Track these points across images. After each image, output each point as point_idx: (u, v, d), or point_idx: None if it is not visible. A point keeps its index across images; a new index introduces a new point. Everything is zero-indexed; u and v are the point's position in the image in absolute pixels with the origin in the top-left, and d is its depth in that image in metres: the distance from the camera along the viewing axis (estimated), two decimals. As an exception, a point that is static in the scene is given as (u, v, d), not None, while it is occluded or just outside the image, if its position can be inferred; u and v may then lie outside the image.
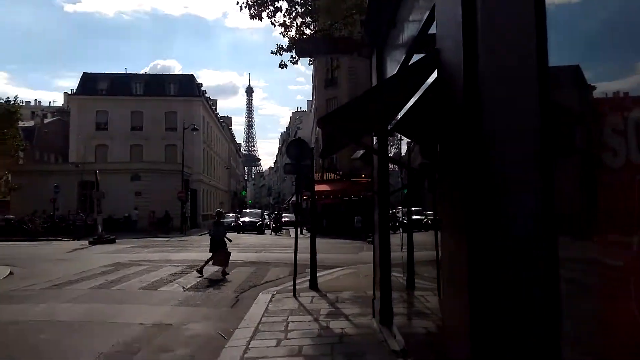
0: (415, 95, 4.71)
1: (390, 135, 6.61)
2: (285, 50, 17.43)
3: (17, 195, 35.10)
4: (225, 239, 13.42)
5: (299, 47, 16.48)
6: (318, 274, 12.31)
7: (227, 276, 12.48)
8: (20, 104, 32.84)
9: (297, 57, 17.76)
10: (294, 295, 9.37)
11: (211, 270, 13.43)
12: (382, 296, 6.73)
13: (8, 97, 34.79)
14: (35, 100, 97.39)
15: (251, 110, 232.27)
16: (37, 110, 75.74)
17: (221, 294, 10.20)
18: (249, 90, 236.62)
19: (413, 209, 5.97)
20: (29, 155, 56.47)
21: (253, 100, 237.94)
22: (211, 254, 13.28)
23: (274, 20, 16.23)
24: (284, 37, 17.19)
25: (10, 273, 13.05)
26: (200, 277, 12.24)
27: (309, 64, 18.57)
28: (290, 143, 9.17)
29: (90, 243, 23.91)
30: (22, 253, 19.08)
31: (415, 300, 6.36)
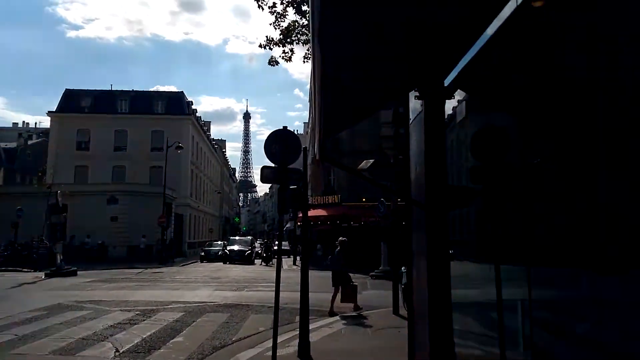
0: None
1: (448, 96, 3.47)
2: (276, 44, 14.51)
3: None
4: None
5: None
6: (312, 325, 9.07)
7: (185, 330, 9.12)
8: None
9: (290, 53, 14.82)
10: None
11: (165, 318, 10.09)
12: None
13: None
14: (23, 122, 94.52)
15: (248, 136, 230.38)
16: (24, 132, 72.77)
17: (167, 363, 6.88)
18: (247, 116, 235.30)
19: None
20: (9, 177, 53.21)
21: (251, 127, 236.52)
22: (334, 288, 11.44)
23: (262, 3, 13.36)
24: (275, 28, 14.34)
25: None
26: (335, 318, 10.33)
27: (304, 62, 15.59)
28: (272, 136, 6.03)
29: (46, 275, 20.46)
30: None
31: None
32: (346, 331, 8.87)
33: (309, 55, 15.96)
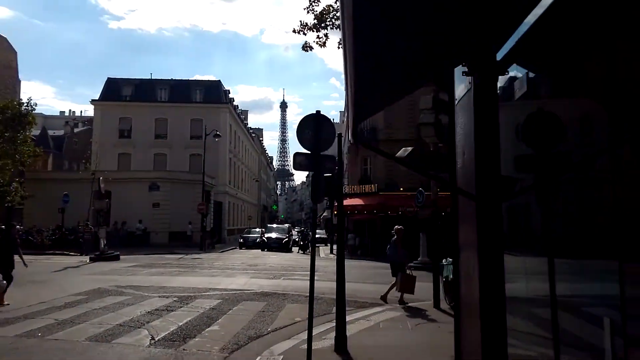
0: None
1: (501, 71, 3.09)
2: (310, 29, 14.16)
3: (30, 204, 32.92)
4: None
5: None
6: (349, 316, 8.83)
7: (221, 318, 9.05)
8: (34, 107, 30.65)
9: (324, 38, 14.45)
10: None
11: (202, 305, 10.06)
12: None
13: (21, 99, 32.79)
14: (70, 110, 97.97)
15: (285, 125, 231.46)
16: (70, 120, 75.35)
17: (201, 352, 6.78)
18: (283, 105, 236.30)
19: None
20: (57, 164, 55.34)
21: (287, 116, 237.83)
22: (394, 278, 11.23)
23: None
24: (309, 12, 13.98)
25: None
26: (403, 306, 10.50)
27: (339, 48, 15.15)
28: (304, 120, 5.72)
29: (91, 260, 21.09)
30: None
31: None
32: (385, 325, 8.57)
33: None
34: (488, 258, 3.04)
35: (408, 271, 11.08)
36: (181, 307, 10.01)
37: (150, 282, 13.73)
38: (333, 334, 7.21)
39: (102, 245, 21.63)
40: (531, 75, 3.24)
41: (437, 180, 10.10)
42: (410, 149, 9.97)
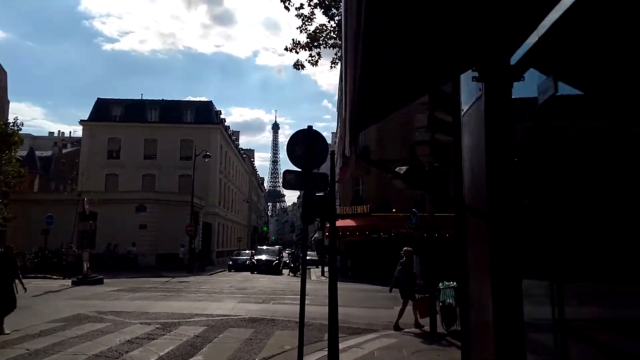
0: None
1: (516, 77, 2.74)
2: (303, 47, 13.98)
3: (12, 226, 32.03)
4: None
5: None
6: (342, 344, 8.38)
7: (206, 347, 8.51)
8: (20, 126, 30.08)
9: (317, 57, 14.29)
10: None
11: (186, 332, 9.49)
12: None
13: (7, 120, 32.14)
14: (59, 131, 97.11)
15: (277, 146, 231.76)
16: (59, 141, 74.68)
17: (182, 387, 6.25)
18: (275, 127, 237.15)
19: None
20: (44, 185, 54.39)
21: (279, 137, 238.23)
22: (403, 301, 10.95)
23: (288, 4, 12.84)
24: (301, 32, 13.83)
25: None
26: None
27: (332, 67, 14.99)
28: (296, 136, 5.35)
29: (73, 283, 20.34)
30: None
31: None
32: (380, 354, 8.08)
33: (337, 60, 15.38)
34: (503, 283, 2.66)
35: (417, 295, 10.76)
36: (164, 334, 9.46)
37: (133, 307, 13.12)
38: (325, 365, 6.73)
39: (85, 269, 20.90)
40: (549, 81, 2.91)
41: (442, 198, 9.75)
42: (405, 168, 9.64)
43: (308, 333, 9.89)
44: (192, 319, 11.40)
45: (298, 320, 11.55)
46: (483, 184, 2.76)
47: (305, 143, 5.30)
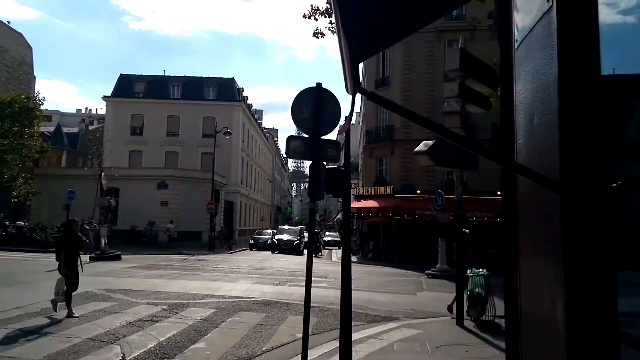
0: None
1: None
2: (322, 13, 12.99)
3: (37, 201, 32.31)
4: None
5: None
6: (358, 334, 7.70)
7: (211, 333, 7.87)
8: (41, 101, 30.02)
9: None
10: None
11: (193, 315, 8.86)
12: None
13: (29, 93, 32.13)
14: (86, 108, 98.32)
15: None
16: (86, 117, 75.60)
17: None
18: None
19: None
20: (72, 160, 54.99)
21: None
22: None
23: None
24: (320, -4, 12.82)
25: None
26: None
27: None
28: (301, 96, 4.47)
29: (90, 259, 20.11)
30: (5, 268, 16.20)
31: None
32: (400, 347, 7.29)
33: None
34: (589, 275, 1.82)
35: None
36: (169, 317, 8.87)
37: (144, 286, 12.64)
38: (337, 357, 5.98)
39: (103, 245, 20.68)
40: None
41: (492, 157, 8.77)
42: (431, 142, 8.69)
43: (324, 320, 9.20)
44: (203, 300, 10.83)
45: (315, 304, 10.90)
46: (554, 140, 1.89)
47: (314, 104, 4.44)
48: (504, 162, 2.65)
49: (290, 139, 4.55)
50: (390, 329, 8.49)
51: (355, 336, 7.65)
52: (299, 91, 4.51)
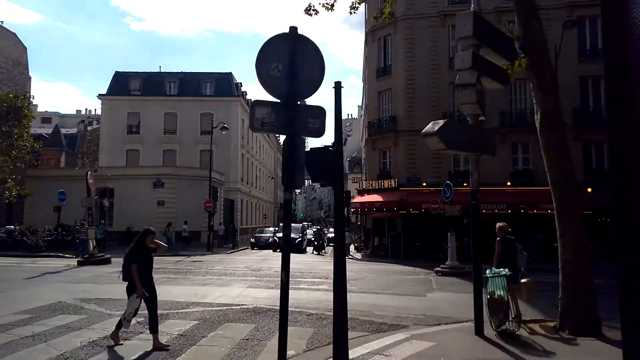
0: None
1: None
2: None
3: (30, 203, 31.22)
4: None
5: None
6: (362, 349, 6.57)
7: (186, 352, 6.64)
8: (30, 100, 28.82)
9: (332, 0, 12.05)
10: None
11: (170, 329, 7.64)
12: None
13: (17, 92, 30.94)
14: (85, 108, 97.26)
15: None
16: (85, 118, 74.73)
17: None
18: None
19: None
20: (70, 161, 53.96)
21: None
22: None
23: None
24: (313, -34, 11.54)
25: None
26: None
27: (351, 13, 12.63)
28: (270, 44, 3.18)
29: (78, 263, 19.01)
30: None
31: None
32: (409, 366, 6.05)
33: (357, 5, 13.00)
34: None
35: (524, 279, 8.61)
36: (141, 332, 7.69)
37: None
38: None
39: (91, 248, 19.51)
40: None
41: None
42: (442, 121, 7.40)
43: (321, 331, 7.96)
44: (186, 310, 9.62)
45: (312, 311, 9.66)
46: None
47: (288, 55, 3.17)
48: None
49: (255, 104, 3.27)
50: (399, 342, 7.23)
51: (357, 352, 6.45)
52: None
